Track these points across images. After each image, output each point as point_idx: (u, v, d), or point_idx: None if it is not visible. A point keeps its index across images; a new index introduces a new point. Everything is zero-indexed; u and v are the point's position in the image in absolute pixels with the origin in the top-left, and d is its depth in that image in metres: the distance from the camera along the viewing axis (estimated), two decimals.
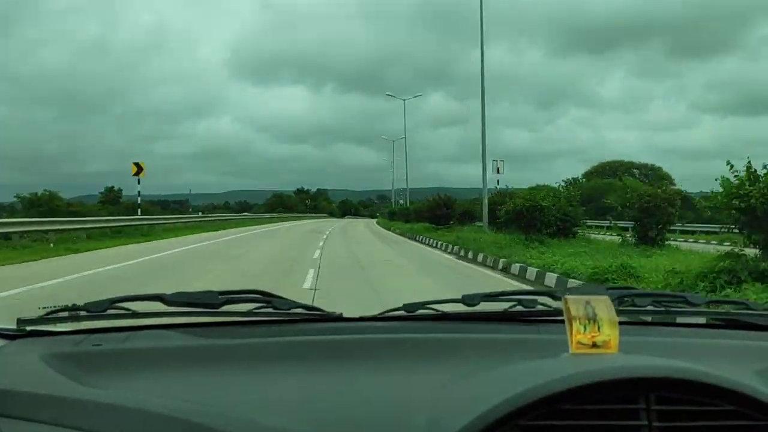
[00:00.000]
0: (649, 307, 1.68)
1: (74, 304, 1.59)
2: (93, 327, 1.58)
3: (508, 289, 1.91)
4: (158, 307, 1.55)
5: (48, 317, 1.58)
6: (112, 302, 1.58)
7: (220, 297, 1.58)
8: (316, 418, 1.10)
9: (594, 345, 1.17)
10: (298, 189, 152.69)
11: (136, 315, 1.58)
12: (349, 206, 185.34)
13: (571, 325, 1.18)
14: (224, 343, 1.48)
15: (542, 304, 1.67)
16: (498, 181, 58.03)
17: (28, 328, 1.56)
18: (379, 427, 1.07)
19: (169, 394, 1.18)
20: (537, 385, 0.97)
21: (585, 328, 1.18)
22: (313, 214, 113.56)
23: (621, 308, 1.56)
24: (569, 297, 1.21)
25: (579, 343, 1.17)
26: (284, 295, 1.71)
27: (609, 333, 1.18)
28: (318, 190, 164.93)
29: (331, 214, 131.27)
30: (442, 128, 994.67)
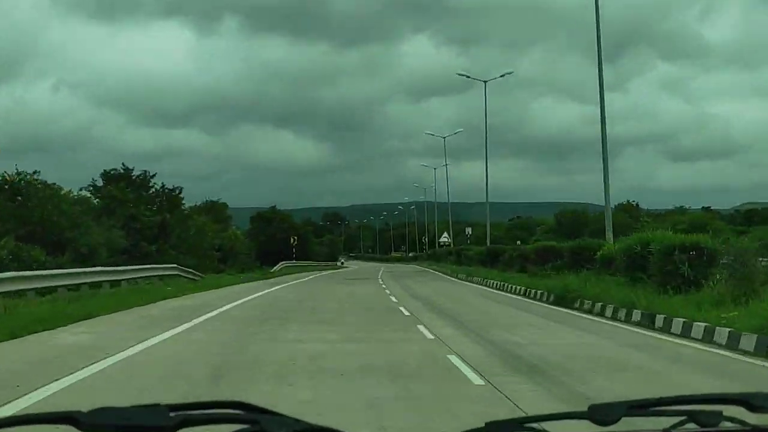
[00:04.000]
0: None
1: None
2: None
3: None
4: None
5: None
6: (12, 423, 1.18)
7: (171, 415, 1.12)
8: None
9: None
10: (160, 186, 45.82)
11: None
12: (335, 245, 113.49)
13: None
14: None
15: (730, 419, 1.18)
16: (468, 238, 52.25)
17: None
18: None
19: None
20: None
21: None
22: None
23: None
24: None
25: None
26: None
27: None
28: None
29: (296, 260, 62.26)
30: (431, 97, 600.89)
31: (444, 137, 64.13)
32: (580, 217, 69.92)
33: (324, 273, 53.26)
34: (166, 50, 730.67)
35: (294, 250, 65.36)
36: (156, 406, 1.12)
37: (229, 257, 54.78)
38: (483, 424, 1.17)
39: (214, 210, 64.68)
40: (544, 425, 1.19)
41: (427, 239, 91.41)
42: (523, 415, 5.05)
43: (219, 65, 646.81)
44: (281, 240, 70.89)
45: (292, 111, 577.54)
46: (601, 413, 1.13)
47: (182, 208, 48.14)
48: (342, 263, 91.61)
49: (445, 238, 62.18)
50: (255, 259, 61.92)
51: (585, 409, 1.14)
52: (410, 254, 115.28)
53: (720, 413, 1.18)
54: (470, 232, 60.67)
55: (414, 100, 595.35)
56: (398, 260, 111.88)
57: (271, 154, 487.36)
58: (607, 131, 25.34)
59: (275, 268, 55.05)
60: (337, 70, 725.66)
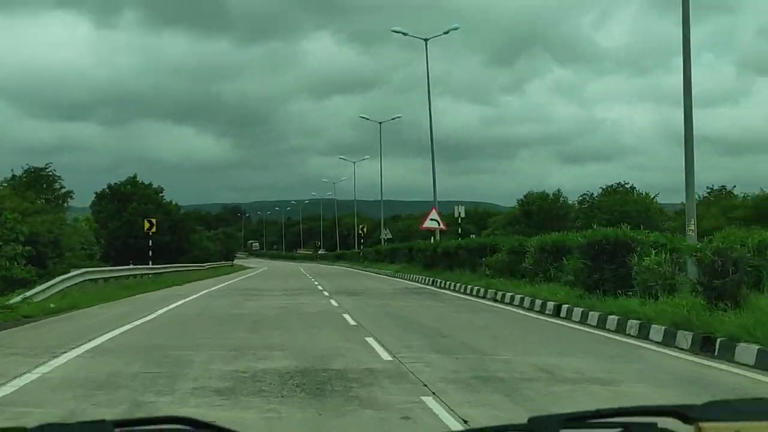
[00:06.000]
0: None
1: None
2: None
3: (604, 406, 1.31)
4: None
5: None
6: None
7: (116, 431, 1.18)
8: None
9: None
10: None
11: None
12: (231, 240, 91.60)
13: None
14: None
15: (663, 431, 1.26)
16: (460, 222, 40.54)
17: None
18: None
19: None
20: None
21: None
22: None
23: None
24: (706, 425, 1.06)
25: None
26: None
27: None
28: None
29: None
30: (334, 95, 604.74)
31: (380, 123, 60.82)
32: (551, 205, 57.69)
33: (171, 306, 18.96)
34: (63, 42, 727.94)
35: (150, 242, 37.42)
36: (101, 422, 1.19)
37: (51, 255, 37.05)
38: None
39: (42, 184, 45.27)
40: None
41: (363, 232, 72.45)
42: None
43: (118, 59, 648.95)
44: (140, 228, 42.86)
45: (193, 106, 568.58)
46: (539, 425, 1.19)
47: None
48: (233, 264, 73.26)
49: (433, 221, 35.71)
50: (101, 259, 42.05)
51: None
52: (320, 251, 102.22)
53: (654, 425, 1.24)
54: (462, 213, 39.78)
55: (317, 98, 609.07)
56: (309, 258, 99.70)
57: (171, 149, 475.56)
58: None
59: (41, 287, 20.45)
60: (239, 66, 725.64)
